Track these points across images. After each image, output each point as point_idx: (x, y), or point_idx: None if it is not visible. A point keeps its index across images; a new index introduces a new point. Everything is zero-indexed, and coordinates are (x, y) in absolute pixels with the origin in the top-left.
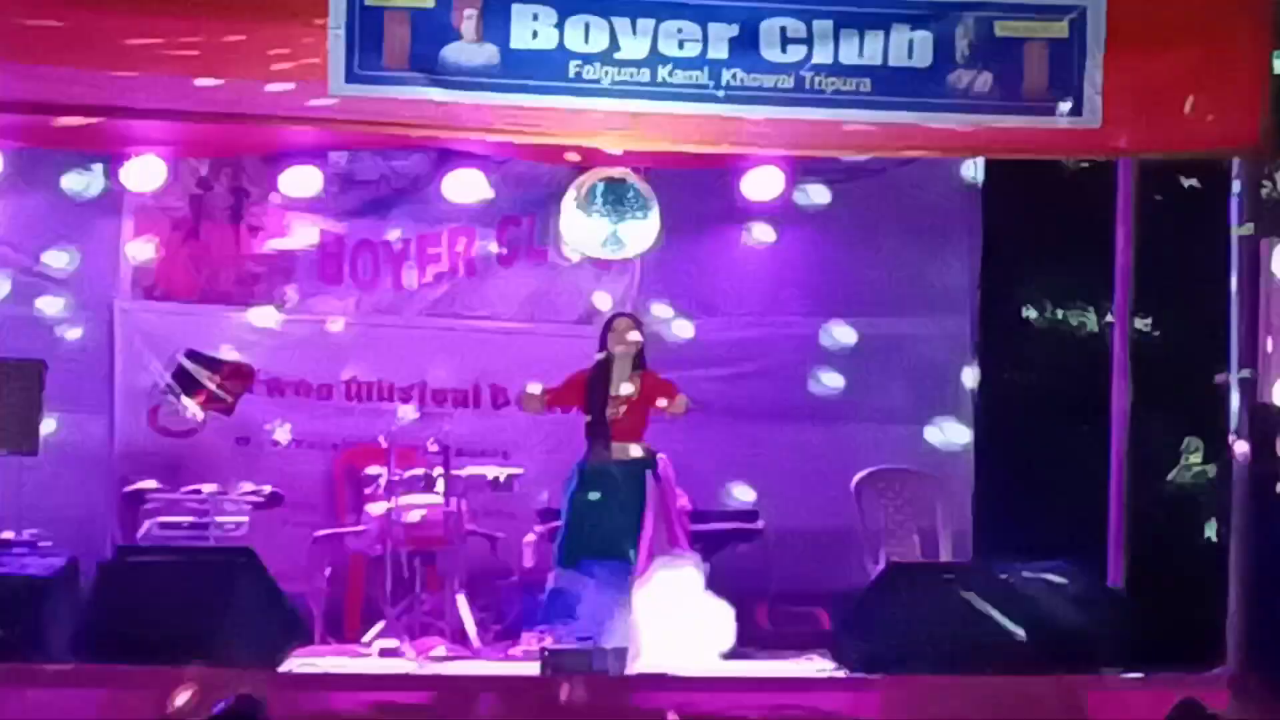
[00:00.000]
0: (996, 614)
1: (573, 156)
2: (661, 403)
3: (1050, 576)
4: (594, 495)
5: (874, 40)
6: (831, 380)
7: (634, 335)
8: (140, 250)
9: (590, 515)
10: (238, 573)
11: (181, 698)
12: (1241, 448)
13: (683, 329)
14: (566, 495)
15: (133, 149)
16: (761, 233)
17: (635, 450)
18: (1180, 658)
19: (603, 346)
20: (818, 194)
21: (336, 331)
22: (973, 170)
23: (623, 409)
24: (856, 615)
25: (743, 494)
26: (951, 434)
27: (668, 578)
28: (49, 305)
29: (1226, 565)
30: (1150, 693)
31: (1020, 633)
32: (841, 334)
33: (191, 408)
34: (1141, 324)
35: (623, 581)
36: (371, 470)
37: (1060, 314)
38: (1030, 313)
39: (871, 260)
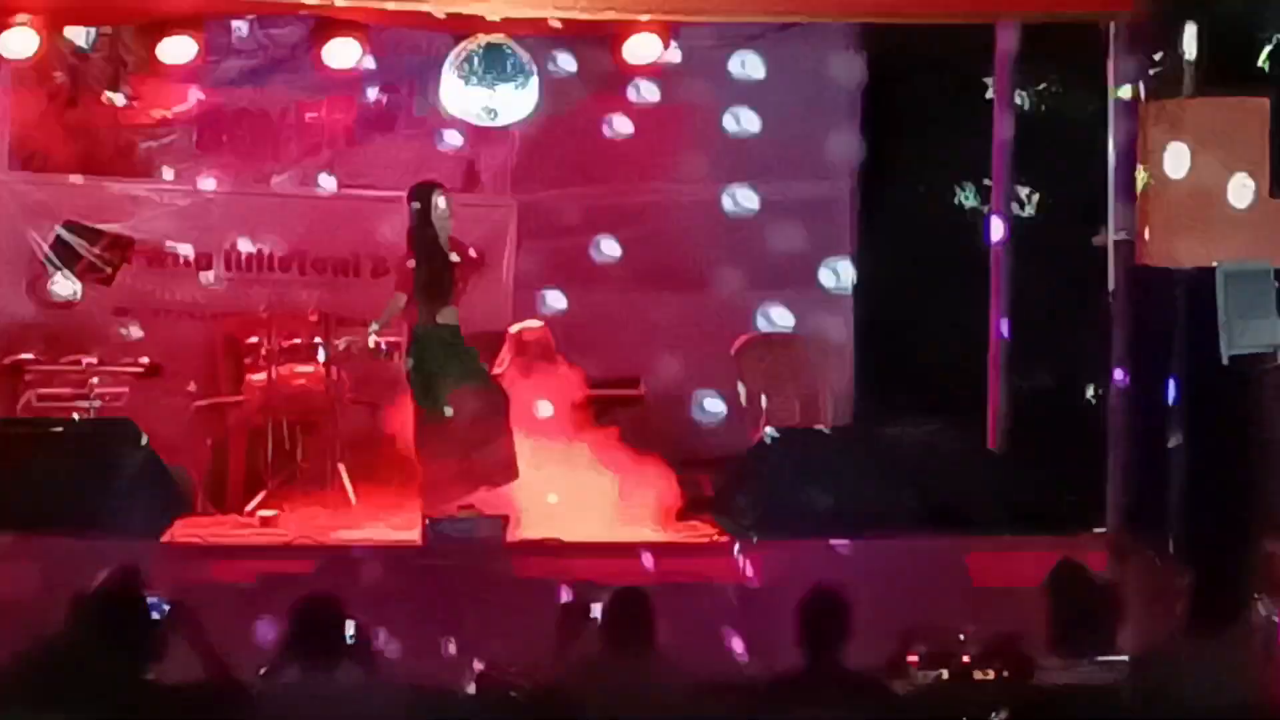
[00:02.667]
0: None
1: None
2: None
3: (929, 438)
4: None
5: None
6: (717, 248)
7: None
8: (17, 121)
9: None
10: (118, 443)
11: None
12: (1119, 310)
13: (563, 198)
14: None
15: (9, 17)
16: (640, 100)
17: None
18: (1059, 519)
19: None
20: (697, 60)
21: (216, 201)
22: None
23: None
24: (738, 480)
25: (628, 360)
26: (833, 300)
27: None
28: None
29: (1105, 427)
30: (1030, 554)
31: None
32: (725, 199)
33: (70, 279)
34: (1021, 191)
35: None
36: (252, 340)
37: (941, 184)
38: (913, 184)
39: (750, 127)
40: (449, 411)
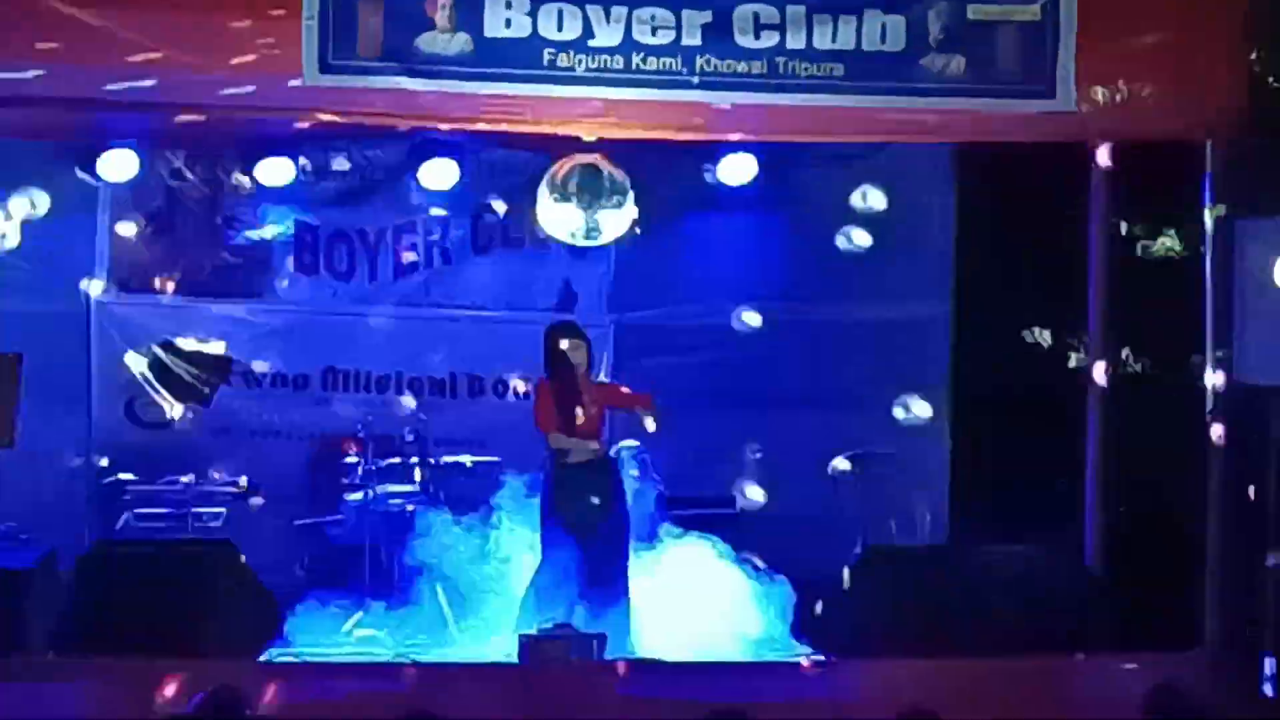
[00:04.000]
0: None
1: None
2: (648, 423)
3: (1027, 557)
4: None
5: (847, 25)
6: (808, 366)
7: (580, 348)
8: (116, 242)
9: (565, 507)
10: (216, 564)
11: (164, 692)
12: (1217, 430)
13: (657, 316)
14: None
15: (108, 141)
16: (736, 218)
17: (594, 446)
18: (1157, 639)
19: (555, 358)
20: (792, 180)
21: (313, 321)
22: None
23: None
24: (836, 599)
25: (717, 479)
26: (926, 418)
27: (678, 554)
28: (26, 298)
29: (1204, 548)
30: (1127, 674)
31: None
32: (818, 319)
33: (169, 400)
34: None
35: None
36: (349, 459)
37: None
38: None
39: (847, 248)
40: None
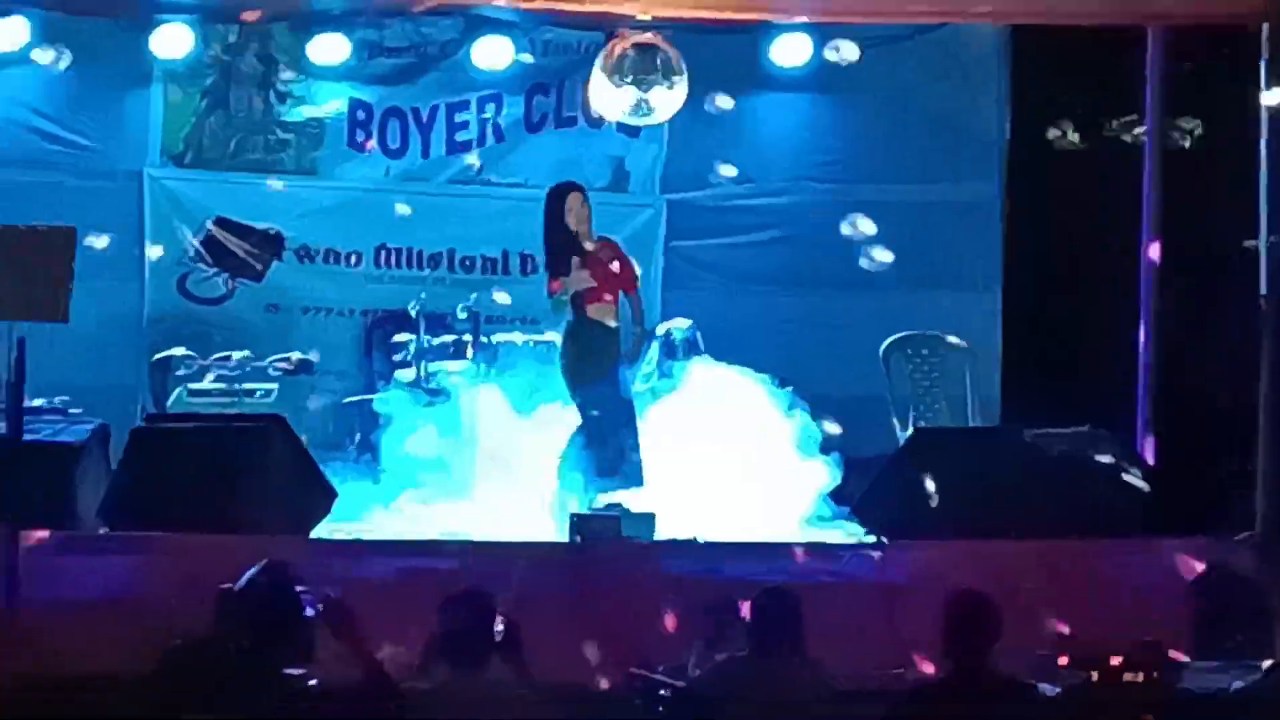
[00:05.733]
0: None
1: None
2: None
3: (1077, 440)
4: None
5: None
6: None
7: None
8: (170, 118)
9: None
10: (267, 440)
11: (215, 566)
12: (1270, 314)
13: (709, 196)
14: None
15: (161, 15)
16: (788, 100)
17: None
18: (1207, 523)
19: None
20: (847, 58)
21: (366, 199)
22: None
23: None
24: (884, 481)
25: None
26: (980, 300)
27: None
28: (79, 173)
29: (1255, 433)
30: (1176, 558)
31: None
32: (872, 199)
33: (221, 275)
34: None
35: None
36: (400, 338)
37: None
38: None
39: (901, 126)
40: (594, 413)
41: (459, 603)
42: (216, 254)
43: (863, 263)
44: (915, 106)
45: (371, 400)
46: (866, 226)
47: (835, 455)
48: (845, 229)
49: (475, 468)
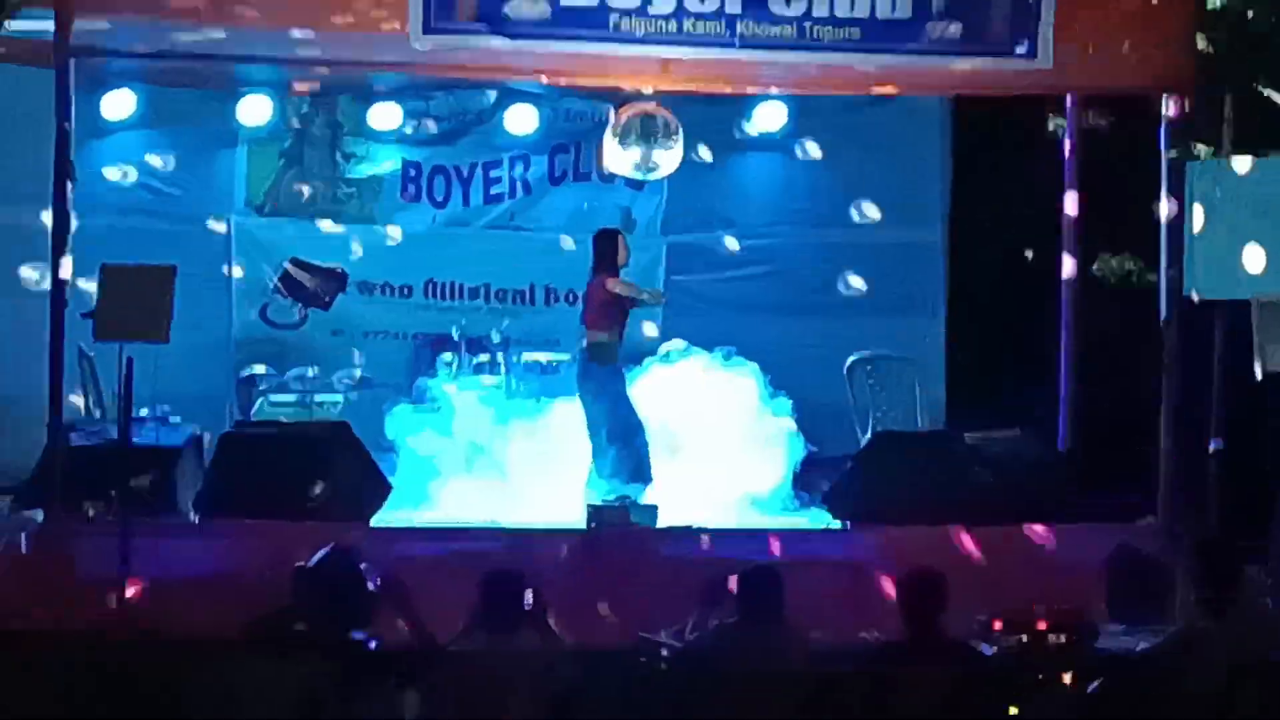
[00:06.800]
0: None
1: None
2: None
3: (1009, 441)
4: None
5: None
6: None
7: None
8: (253, 174)
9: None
10: (334, 443)
11: (290, 549)
12: (1171, 334)
13: (702, 239)
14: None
15: (245, 88)
16: (768, 157)
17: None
18: (1117, 511)
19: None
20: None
21: (416, 242)
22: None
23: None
24: (850, 476)
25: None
26: (928, 324)
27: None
28: (178, 220)
29: (1157, 431)
30: (1092, 539)
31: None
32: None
33: (296, 305)
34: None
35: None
36: (445, 357)
37: (1018, 228)
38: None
39: (861, 180)
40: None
41: (494, 579)
42: (291, 287)
43: (840, 289)
44: (873, 164)
45: (422, 408)
46: (857, 282)
47: (807, 453)
48: (840, 286)
49: (507, 463)
